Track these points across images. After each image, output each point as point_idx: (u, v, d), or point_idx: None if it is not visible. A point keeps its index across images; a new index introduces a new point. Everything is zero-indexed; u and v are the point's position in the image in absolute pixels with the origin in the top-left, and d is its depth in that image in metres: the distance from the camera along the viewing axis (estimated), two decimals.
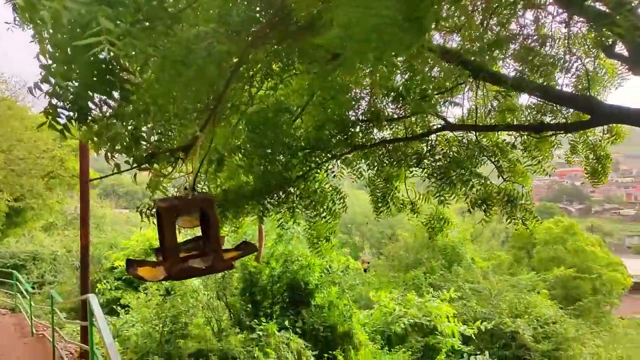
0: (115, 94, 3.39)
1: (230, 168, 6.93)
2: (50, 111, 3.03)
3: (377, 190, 7.46)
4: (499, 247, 29.85)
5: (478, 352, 13.48)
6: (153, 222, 6.80)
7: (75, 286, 22.59)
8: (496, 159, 6.80)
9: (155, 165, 3.74)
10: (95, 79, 3.25)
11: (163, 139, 4.16)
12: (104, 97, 3.38)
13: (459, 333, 13.78)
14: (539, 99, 6.07)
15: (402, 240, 24.61)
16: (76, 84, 3.21)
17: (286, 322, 11.44)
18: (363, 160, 7.33)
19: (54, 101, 3.07)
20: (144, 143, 3.63)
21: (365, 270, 17.24)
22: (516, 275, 20.54)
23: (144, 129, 3.95)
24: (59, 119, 3.02)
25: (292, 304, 12.19)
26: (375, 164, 7.30)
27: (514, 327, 14.12)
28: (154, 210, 6.05)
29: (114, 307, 18.31)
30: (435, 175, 6.80)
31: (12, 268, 24.86)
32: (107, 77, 3.28)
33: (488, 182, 6.75)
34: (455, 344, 13.27)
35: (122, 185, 76.67)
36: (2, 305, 17.36)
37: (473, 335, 13.75)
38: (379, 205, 7.35)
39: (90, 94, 3.28)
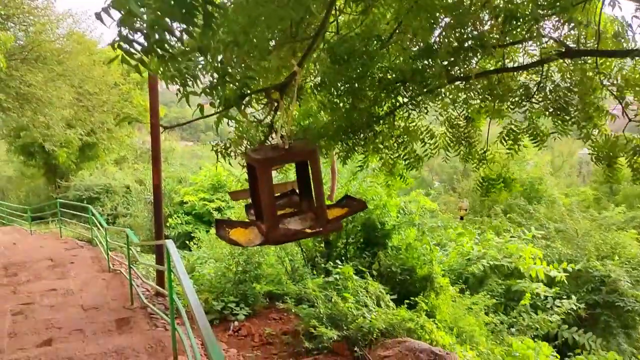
0: (198, 21, 2.73)
1: (310, 105, 6.28)
2: (121, 43, 2.39)
3: (453, 130, 6.61)
4: (579, 183, 28.22)
5: (564, 297, 12.69)
6: (229, 163, 6.32)
7: (147, 219, 23.10)
8: (623, 94, 5.76)
9: (245, 108, 3.13)
10: (173, 2, 2.57)
11: (250, 78, 3.47)
12: (183, 25, 2.71)
13: (544, 275, 12.98)
14: None
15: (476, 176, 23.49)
16: (151, 9, 2.56)
17: (361, 264, 10.99)
18: (458, 95, 6.48)
19: (125, 31, 2.42)
20: (231, 81, 3.00)
21: (461, 218, 16.52)
22: (601, 212, 19.21)
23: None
24: (132, 52, 2.37)
25: (367, 245, 11.69)
26: (472, 99, 6.43)
27: (604, 271, 13.17)
28: (231, 150, 5.52)
29: (186, 241, 18.61)
30: (549, 112, 5.89)
31: (87, 200, 25.75)
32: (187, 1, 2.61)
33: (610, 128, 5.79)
34: (541, 289, 12.51)
35: (185, 117, 77.69)
36: (80, 237, 17.86)
37: (560, 278, 12.94)
38: (452, 145, 6.55)
39: (168, 21, 2.61)
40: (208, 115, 3.09)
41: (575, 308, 12.41)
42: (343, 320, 8.56)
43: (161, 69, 3.46)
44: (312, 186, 3.21)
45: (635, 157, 5.69)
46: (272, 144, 3.25)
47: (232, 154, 5.64)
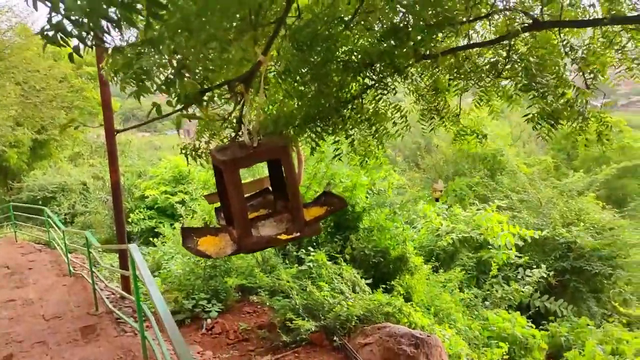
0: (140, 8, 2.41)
1: (275, 93, 5.98)
2: (49, 32, 2.05)
3: (425, 102, 6.49)
4: (537, 151, 28.63)
5: (534, 266, 12.82)
6: (201, 164, 5.98)
7: (107, 216, 22.38)
8: (586, 62, 5.66)
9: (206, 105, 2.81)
10: None
11: (211, 71, 3.13)
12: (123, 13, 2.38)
13: (513, 243, 13.10)
14: None
15: (440, 151, 23.58)
16: None
17: (334, 250, 10.79)
18: (426, 73, 6.30)
19: (57, 18, 2.09)
20: (190, 75, 2.68)
21: (436, 200, 16.43)
22: (561, 179, 19.50)
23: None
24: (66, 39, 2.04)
25: (338, 230, 11.49)
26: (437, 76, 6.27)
27: (570, 237, 13.35)
28: (200, 151, 5.19)
29: (149, 238, 18.08)
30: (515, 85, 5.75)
31: (42, 200, 24.79)
32: None
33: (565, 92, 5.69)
34: (510, 255, 12.62)
35: (141, 108, 75.76)
36: (37, 240, 17.13)
37: (529, 244, 13.09)
38: (426, 117, 6.45)
39: (105, 7, 2.28)
40: (165, 116, 2.77)
41: (545, 276, 12.56)
42: (320, 310, 8.38)
43: (107, 65, 3.12)
44: (287, 186, 2.95)
45: (578, 117, 5.71)
46: (239, 141, 2.96)
47: (203, 154, 5.33)
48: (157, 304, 4.39)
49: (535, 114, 5.48)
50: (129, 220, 20.47)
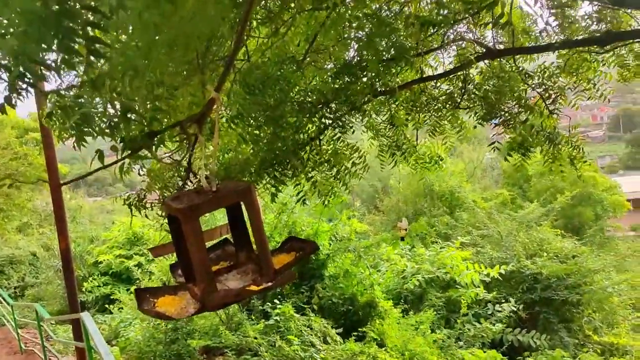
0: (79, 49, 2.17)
1: (228, 138, 5.75)
2: None
3: (385, 138, 6.39)
4: (492, 186, 29.12)
5: (503, 300, 12.68)
6: (146, 216, 5.62)
7: (59, 287, 21.30)
8: (543, 88, 5.70)
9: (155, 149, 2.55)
10: (43, 24, 2.01)
11: (160, 111, 2.87)
12: (60, 54, 2.14)
13: (479, 281, 12.96)
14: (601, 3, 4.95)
15: (397, 192, 23.65)
16: (15, 35, 2.00)
17: (300, 300, 10.41)
18: (379, 109, 6.22)
19: None
20: (136, 118, 2.42)
21: (402, 239, 16.25)
22: (517, 212, 19.73)
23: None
24: None
25: (303, 279, 11.12)
26: (394, 111, 6.19)
27: (536, 268, 13.34)
28: (146, 202, 4.86)
29: (105, 305, 17.21)
30: (474, 114, 5.74)
31: None
32: (63, 21, 2.04)
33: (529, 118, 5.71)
34: (479, 293, 12.45)
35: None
36: None
37: (496, 279, 12.98)
38: (386, 153, 6.34)
39: (37, 47, 2.04)
40: (112, 164, 2.50)
41: (514, 310, 12.43)
42: None
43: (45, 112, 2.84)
44: (251, 232, 2.67)
45: (549, 145, 5.73)
46: (195, 188, 2.69)
47: (148, 204, 5.00)
48: None
49: (505, 144, 5.45)
50: (83, 289, 19.50)
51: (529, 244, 14.69)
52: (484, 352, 10.76)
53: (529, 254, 14.25)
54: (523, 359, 11.39)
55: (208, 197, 2.44)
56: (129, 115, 2.43)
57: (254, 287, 2.50)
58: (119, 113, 2.42)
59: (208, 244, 3.07)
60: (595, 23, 5.12)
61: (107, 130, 2.32)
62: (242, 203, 2.63)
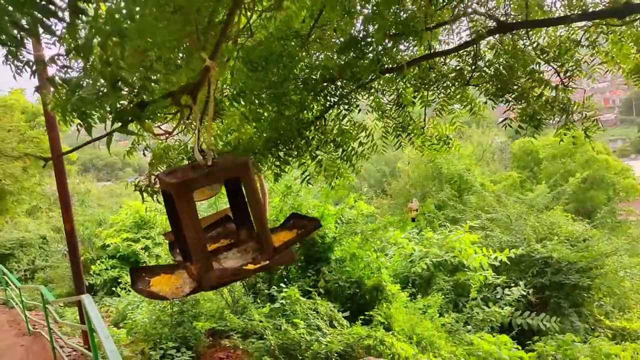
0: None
1: (231, 118, 5.59)
2: None
3: (390, 119, 6.18)
4: (501, 170, 28.82)
5: (512, 284, 12.54)
6: (158, 200, 5.49)
7: (68, 270, 21.37)
8: (559, 62, 5.48)
9: (149, 122, 2.40)
10: None
11: (152, 81, 2.70)
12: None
13: (488, 265, 12.81)
14: None
15: (405, 175, 23.45)
16: None
17: (306, 284, 10.31)
18: (389, 86, 5.99)
19: None
20: (127, 90, 2.27)
21: (413, 220, 16.08)
22: (527, 195, 19.48)
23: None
24: None
25: (309, 263, 11.02)
26: (402, 90, 5.98)
27: (546, 252, 13.14)
28: (158, 186, 4.73)
29: (113, 288, 17.25)
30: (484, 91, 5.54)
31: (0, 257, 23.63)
32: None
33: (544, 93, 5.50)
34: (488, 276, 12.30)
35: (100, 157, 74.72)
36: None
37: (505, 263, 12.82)
38: (390, 135, 6.13)
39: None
40: (100, 137, 2.35)
41: (524, 294, 12.29)
42: (297, 349, 7.89)
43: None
44: (250, 209, 2.52)
45: (561, 115, 5.59)
46: (191, 162, 2.55)
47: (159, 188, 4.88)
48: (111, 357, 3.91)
49: (517, 118, 5.26)
50: (91, 272, 19.54)
51: (539, 228, 14.49)
52: (493, 336, 10.64)
53: (539, 238, 14.05)
54: (533, 343, 11.24)
55: (203, 172, 2.30)
56: (118, 85, 2.27)
57: (250, 266, 2.36)
58: (106, 83, 2.26)
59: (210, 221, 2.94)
60: None
61: (96, 102, 2.17)
62: (239, 178, 2.49)
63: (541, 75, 5.18)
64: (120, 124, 2.26)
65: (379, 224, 12.42)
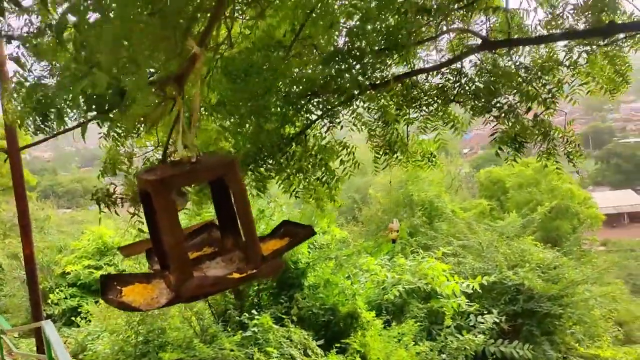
0: None
1: (207, 133, 5.35)
2: None
3: (377, 138, 6.01)
4: (469, 198, 29.08)
5: (485, 312, 12.40)
6: (116, 212, 5.14)
7: (25, 298, 20.44)
8: (540, 82, 5.41)
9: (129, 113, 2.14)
10: None
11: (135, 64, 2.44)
12: None
13: (460, 292, 12.67)
14: None
15: (377, 202, 23.36)
16: None
17: (279, 311, 9.96)
18: (367, 104, 5.84)
19: None
20: (104, 77, 2.02)
21: (393, 241, 15.87)
22: (496, 222, 19.60)
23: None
24: None
25: (281, 289, 10.68)
26: (385, 107, 5.84)
27: (518, 279, 13.09)
28: (116, 195, 4.43)
29: (72, 318, 16.52)
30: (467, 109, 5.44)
31: None
32: None
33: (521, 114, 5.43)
34: (461, 304, 12.15)
35: (60, 184, 72.84)
36: None
37: (477, 291, 12.70)
38: (380, 154, 5.96)
39: None
40: (75, 127, 2.08)
41: (497, 321, 12.16)
42: None
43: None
44: (237, 213, 2.28)
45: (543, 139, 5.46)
46: (172, 160, 2.31)
47: (119, 199, 4.54)
48: None
49: (498, 138, 5.14)
50: (49, 301, 18.71)
51: (510, 255, 14.47)
52: None
53: (511, 265, 14.02)
54: None
55: (185, 169, 2.05)
56: (92, 70, 2.02)
57: (235, 275, 2.11)
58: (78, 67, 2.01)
59: (193, 228, 2.70)
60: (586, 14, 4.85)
61: (67, 87, 1.91)
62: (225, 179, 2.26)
63: (529, 89, 5.08)
64: (95, 112, 2.00)
65: (354, 249, 12.19)
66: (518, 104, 5.18)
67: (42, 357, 7.44)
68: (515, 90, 5.14)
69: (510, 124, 5.25)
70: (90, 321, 13.78)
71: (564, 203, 23.52)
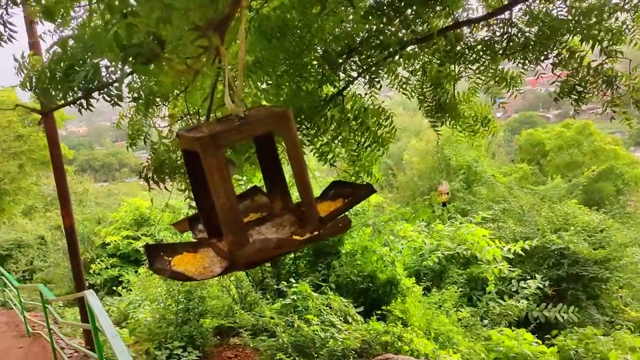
0: None
1: (244, 95, 5.11)
2: None
3: (427, 100, 5.69)
4: (507, 162, 28.43)
5: (528, 277, 12.13)
6: (166, 188, 5.02)
7: (66, 269, 20.94)
8: (597, 27, 5.00)
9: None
10: None
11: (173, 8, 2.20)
12: None
13: (502, 257, 12.40)
14: None
15: (412, 167, 23.01)
16: None
17: (316, 279, 9.89)
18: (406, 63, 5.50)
19: None
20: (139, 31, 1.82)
21: (444, 204, 15.61)
22: (537, 186, 19.10)
23: None
24: None
25: (318, 257, 10.58)
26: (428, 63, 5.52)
27: (562, 243, 12.73)
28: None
29: (113, 287, 16.85)
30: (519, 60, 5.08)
31: None
32: None
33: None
34: (503, 269, 11.90)
35: (96, 158, 74.23)
36: None
37: (519, 255, 12.43)
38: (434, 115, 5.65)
39: None
40: (112, 82, 1.89)
41: (541, 287, 11.90)
42: (311, 347, 7.49)
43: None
44: (291, 168, 2.04)
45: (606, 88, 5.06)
46: (217, 118, 2.10)
47: (165, 176, 4.41)
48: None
49: (559, 86, 4.80)
50: (91, 271, 19.10)
51: (553, 218, 14.09)
52: (512, 330, 10.24)
53: (554, 229, 13.65)
54: (552, 337, 10.84)
55: (234, 124, 1.83)
56: (129, 20, 1.80)
57: (297, 237, 1.90)
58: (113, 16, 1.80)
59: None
60: None
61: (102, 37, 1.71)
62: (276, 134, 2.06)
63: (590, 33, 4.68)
64: (133, 62, 1.80)
65: (391, 214, 11.97)
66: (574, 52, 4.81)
67: (86, 326, 7.52)
68: (572, 35, 4.76)
69: (571, 70, 4.89)
70: (131, 290, 14.02)
71: (608, 164, 22.72)
